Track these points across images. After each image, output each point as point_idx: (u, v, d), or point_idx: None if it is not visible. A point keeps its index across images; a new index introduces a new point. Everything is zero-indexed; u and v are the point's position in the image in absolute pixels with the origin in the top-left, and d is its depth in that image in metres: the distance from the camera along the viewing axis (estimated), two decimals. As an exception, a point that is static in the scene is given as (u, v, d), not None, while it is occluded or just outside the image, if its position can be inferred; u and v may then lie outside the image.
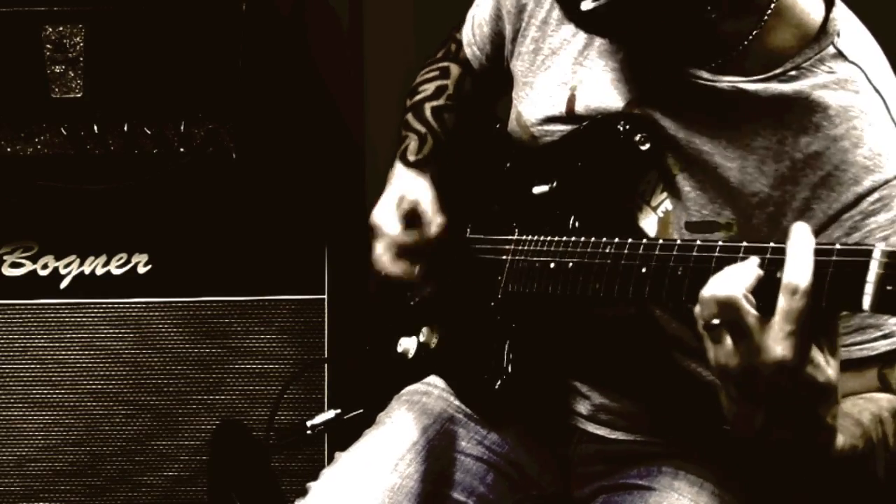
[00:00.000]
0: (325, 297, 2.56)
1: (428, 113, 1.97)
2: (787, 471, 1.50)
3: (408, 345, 1.87)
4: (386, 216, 1.85)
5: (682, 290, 1.38)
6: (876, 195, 1.49)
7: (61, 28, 2.46)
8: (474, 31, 1.94)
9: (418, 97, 1.99)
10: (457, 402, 1.81)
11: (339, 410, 2.11)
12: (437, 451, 1.74)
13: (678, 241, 1.41)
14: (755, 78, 1.55)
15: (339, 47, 2.86)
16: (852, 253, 1.20)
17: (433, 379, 1.85)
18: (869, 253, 1.19)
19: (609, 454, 1.76)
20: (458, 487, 1.74)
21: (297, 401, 2.53)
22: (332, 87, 2.79)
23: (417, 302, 1.91)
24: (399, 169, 1.93)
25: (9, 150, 2.50)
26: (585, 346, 1.74)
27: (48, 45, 2.46)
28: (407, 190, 1.86)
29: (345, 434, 1.85)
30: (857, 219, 1.50)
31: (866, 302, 1.18)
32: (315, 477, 1.75)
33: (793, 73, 1.53)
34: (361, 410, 1.85)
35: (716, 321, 1.26)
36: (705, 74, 1.58)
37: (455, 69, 2.00)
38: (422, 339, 1.86)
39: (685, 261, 1.38)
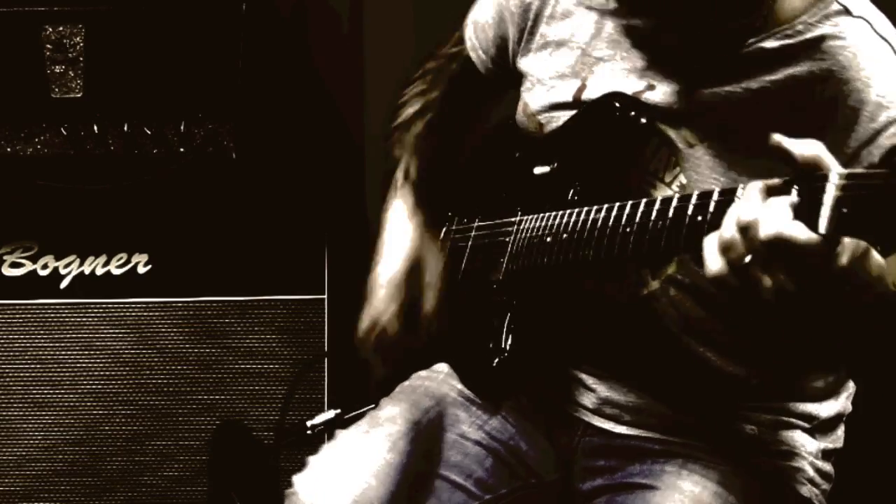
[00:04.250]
0: (325, 296, 2.56)
1: (413, 140, 1.97)
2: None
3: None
4: (388, 294, 1.82)
5: (659, 245, 1.44)
6: (893, 129, 1.53)
7: (61, 28, 2.46)
8: (478, 36, 1.93)
9: (401, 120, 2.00)
10: (459, 387, 1.82)
11: (339, 410, 2.11)
12: (437, 432, 1.75)
13: (659, 198, 1.45)
14: (762, 35, 1.59)
15: (339, 47, 2.86)
16: (811, 179, 1.23)
17: (439, 366, 1.86)
18: (825, 178, 1.21)
19: (613, 449, 1.77)
20: (455, 469, 1.75)
21: (297, 401, 2.52)
22: (332, 88, 2.79)
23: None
24: (398, 214, 1.91)
25: (9, 150, 2.50)
26: (592, 335, 1.75)
27: (48, 45, 2.46)
28: (413, 262, 1.84)
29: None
30: (876, 154, 1.53)
31: (822, 226, 1.21)
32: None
33: (800, 27, 1.58)
34: (373, 406, 1.85)
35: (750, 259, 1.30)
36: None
37: (437, 91, 1.99)
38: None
39: (663, 215, 1.43)
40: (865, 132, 1.54)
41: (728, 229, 1.31)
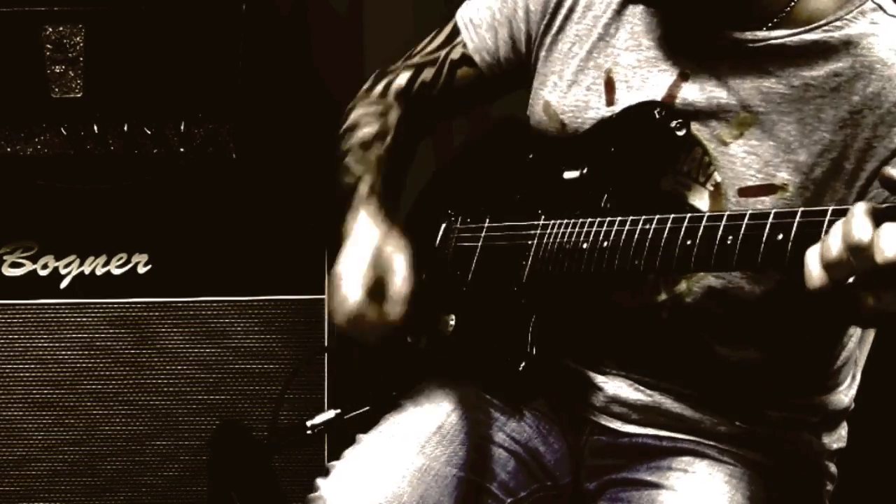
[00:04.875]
0: (325, 296, 2.55)
1: (373, 158, 1.93)
2: None
3: (420, 335, 1.88)
4: (351, 279, 1.76)
5: (730, 260, 1.43)
6: None
7: (61, 28, 2.46)
8: (482, 36, 1.90)
9: (358, 137, 1.96)
10: (476, 390, 1.81)
11: (339, 410, 2.10)
12: (462, 435, 1.75)
13: (726, 214, 1.45)
14: (799, 30, 1.59)
15: (339, 47, 2.85)
16: None
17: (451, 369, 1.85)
18: None
19: (620, 448, 1.77)
20: (482, 473, 1.75)
21: (297, 401, 2.53)
22: (332, 88, 2.79)
23: (432, 291, 1.90)
24: (364, 219, 1.85)
25: (9, 150, 2.50)
26: (606, 336, 1.75)
27: (48, 45, 2.46)
28: (380, 250, 1.79)
29: (345, 434, 1.85)
30: None
31: None
32: (315, 477, 1.75)
33: (837, 23, 1.58)
34: (367, 408, 1.84)
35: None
36: (748, 35, 1.61)
37: (394, 115, 1.97)
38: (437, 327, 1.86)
39: (734, 231, 1.43)
40: None
41: (835, 246, 1.29)
